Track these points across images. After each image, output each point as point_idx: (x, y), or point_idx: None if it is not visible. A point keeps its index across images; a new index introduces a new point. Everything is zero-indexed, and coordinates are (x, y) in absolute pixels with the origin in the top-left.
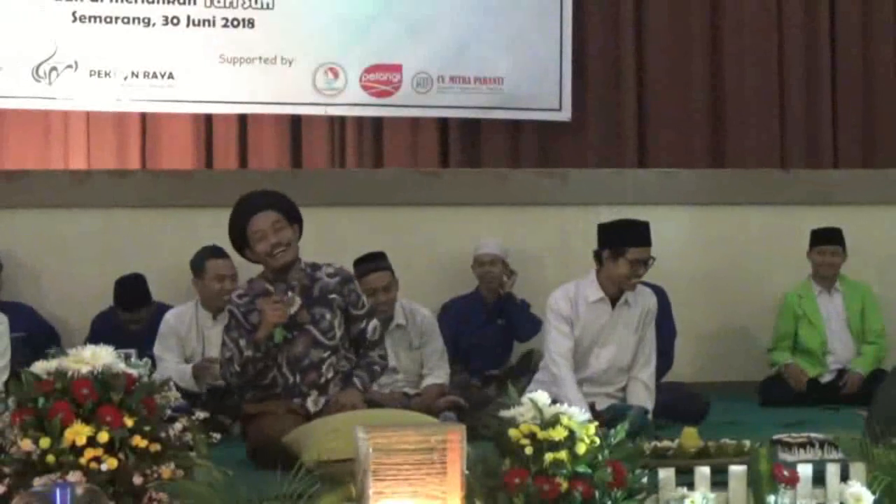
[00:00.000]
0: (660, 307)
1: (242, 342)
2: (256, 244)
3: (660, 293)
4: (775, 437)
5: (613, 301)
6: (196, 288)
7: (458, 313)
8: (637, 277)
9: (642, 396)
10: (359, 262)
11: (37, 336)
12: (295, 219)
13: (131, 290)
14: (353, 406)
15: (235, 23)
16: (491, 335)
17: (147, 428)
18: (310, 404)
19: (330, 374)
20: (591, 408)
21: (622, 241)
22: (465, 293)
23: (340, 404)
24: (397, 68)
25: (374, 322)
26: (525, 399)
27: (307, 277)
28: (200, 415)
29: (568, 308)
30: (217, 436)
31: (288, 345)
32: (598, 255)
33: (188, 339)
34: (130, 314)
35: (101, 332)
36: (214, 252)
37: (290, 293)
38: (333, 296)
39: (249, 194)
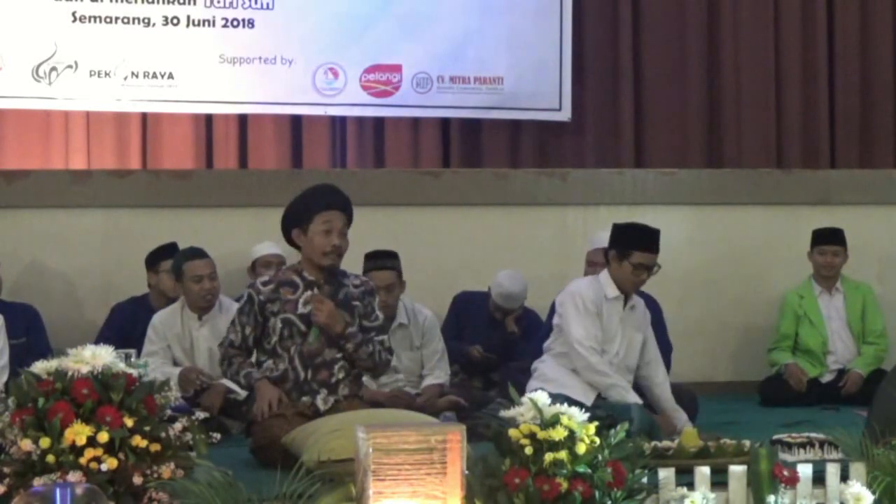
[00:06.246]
0: (655, 320)
1: (248, 330)
2: (319, 235)
3: (654, 304)
4: (775, 437)
5: (625, 301)
6: (179, 291)
7: (465, 306)
8: (640, 282)
9: (670, 396)
10: (369, 257)
11: (35, 343)
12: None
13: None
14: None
15: (235, 23)
16: (494, 339)
17: (147, 428)
18: (319, 402)
19: (341, 375)
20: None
21: (629, 244)
22: (480, 291)
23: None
24: (397, 68)
25: (383, 338)
26: (525, 399)
27: (335, 281)
28: (200, 415)
29: (593, 301)
30: (217, 436)
31: (304, 341)
32: (606, 255)
33: (176, 342)
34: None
35: (118, 320)
36: (190, 254)
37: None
38: (356, 303)
39: (332, 187)
